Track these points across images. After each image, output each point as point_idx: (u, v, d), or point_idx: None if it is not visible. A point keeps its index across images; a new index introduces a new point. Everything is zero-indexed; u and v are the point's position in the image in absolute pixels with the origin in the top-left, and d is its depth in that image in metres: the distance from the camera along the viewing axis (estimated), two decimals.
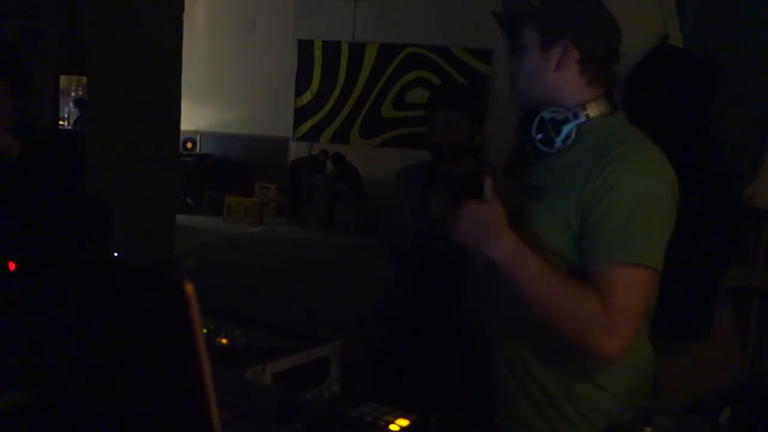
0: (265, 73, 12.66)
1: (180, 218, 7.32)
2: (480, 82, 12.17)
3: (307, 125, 12.99)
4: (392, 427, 1.19)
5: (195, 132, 12.79)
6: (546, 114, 1.45)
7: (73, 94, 10.63)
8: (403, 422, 1.21)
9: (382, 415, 1.22)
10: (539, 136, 1.47)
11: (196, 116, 12.09)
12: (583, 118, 1.44)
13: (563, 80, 1.45)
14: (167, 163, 6.51)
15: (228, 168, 12.88)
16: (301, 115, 12.99)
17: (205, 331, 1.45)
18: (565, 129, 1.43)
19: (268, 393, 1.07)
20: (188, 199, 11.83)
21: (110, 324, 0.67)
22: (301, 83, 12.94)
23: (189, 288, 0.56)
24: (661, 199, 1.39)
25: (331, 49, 12.72)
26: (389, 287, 2.73)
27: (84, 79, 6.08)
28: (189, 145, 12.75)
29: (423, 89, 12.01)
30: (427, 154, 2.63)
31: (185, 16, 6.87)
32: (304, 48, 12.83)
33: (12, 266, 0.70)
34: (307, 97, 12.94)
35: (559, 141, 1.44)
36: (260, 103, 12.68)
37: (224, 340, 1.45)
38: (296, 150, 12.91)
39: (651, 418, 1.13)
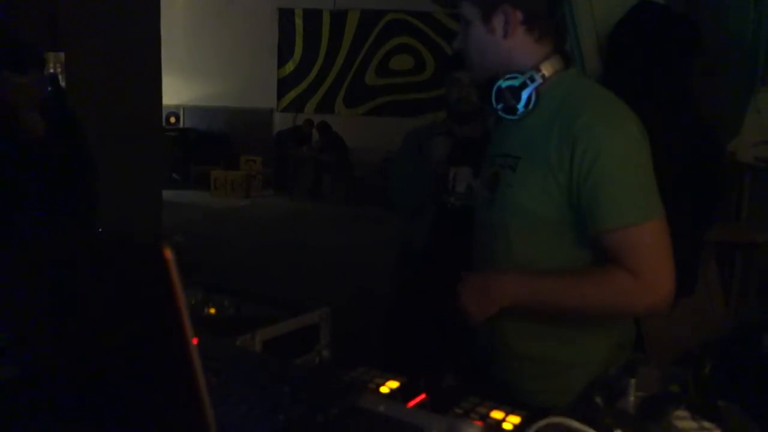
0: (246, 43, 12.53)
1: (166, 193, 7.28)
2: None
3: (290, 96, 12.90)
4: (382, 389, 1.20)
5: (178, 106, 12.67)
6: (502, 83, 1.46)
7: (51, 70, 10.48)
8: (394, 384, 1.22)
9: (372, 378, 1.23)
10: (500, 105, 1.48)
11: (178, 90, 11.97)
12: (539, 80, 1.45)
13: (514, 45, 1.46)
14: (151, 138, 6.44)
15: (213, 141, 12.80)
16: (284, 85, 12.89)
17: (193, 302, 1.46)
18: (524, 94, 1.45)
19: (257, 358, 1.08)
20: (174, 174, 11.78)
21: (94, 295, 0.67)
22: (284, 53, 12.81)
23: (168, 253, 0.56)
24: (639, 150, 1.41)
25: (313, 17, 12.58)
26: (405, 246, 2.82)
27: (62, 56, 5.97)
28: (172, 119, 12.64)
29: (407, 55, 11.95)
30: (407, 121, 2.71)
31: None
32: (285, 17, 12.68)
33: None
34: (289, 67, 12.83)
35: (521, 107, 1.46)
36: (242, 75, 12.56)
37: (212, 311, 1.46)
38: (281, 121, 12.84)
39: (635, 370, 1.15)
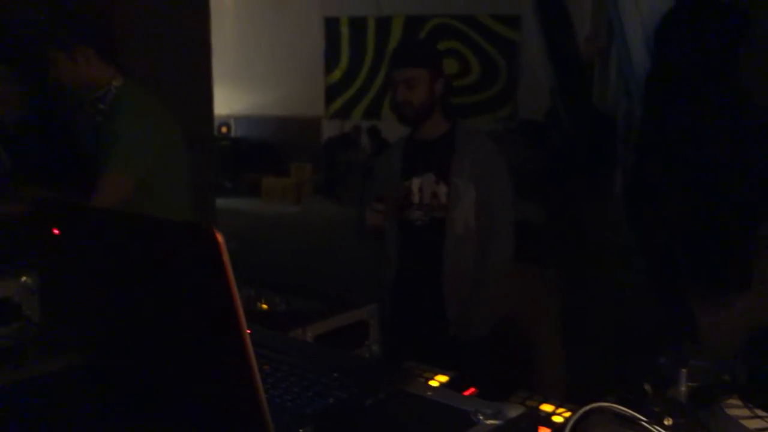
0: (294, 53, 12.69)
1: (218, 202, 7.43)
2: (509, 48, 12.01)
3: (338, 103, 13.01)
4: (431, 382, 1.22)
5: (228, 116, 12.92)
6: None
7: None
8: (443, 378, 1.24)
9: (421, 372, 1.25)
10: None
11: (228, 101, 12.20)
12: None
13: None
14: (203, 147, 6.59)
15: (263, 150, 12.99)
16: (332, 93, 13.01)
17: (245, 298, 1.50)
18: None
19: (307, 348, 1.11)
20: (226, 183, 12.00)
21: (150, 280, 0.70)
22: (330, 61, 12.94)
23: (220, 237, 0.59)
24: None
25: (358, 24, 12.67)
26: (382, 264, 2.62)
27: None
28: (224, 129, 12.89)
29: (452, 60, 11.92)
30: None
31: (212, 2, 6.90)
32: (331, 25, 12.81)
33: (56, 232, 0.74)
34: (336, 74, 12.95)
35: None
36: (291, 84, 12.73)
37: (264, 306, 1.49)
38: (328, 128, 12.96)
39: (687, 362, 1.14)
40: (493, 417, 0.75)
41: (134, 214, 0.66)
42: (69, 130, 3.46)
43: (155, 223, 0.64)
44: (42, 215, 0.76)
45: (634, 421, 0.87)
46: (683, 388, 1.08)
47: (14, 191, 2.42)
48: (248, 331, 1.13)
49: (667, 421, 0.90)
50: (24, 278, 1.21)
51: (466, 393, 1.16)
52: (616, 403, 0.92)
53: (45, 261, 0.84)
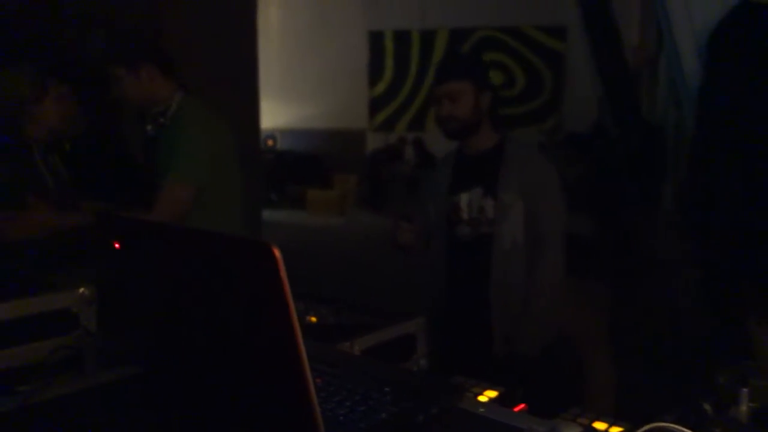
0: (339, 66, 12.82)
1: (264, 214, 7.52)
2: (555, 60, 11.92)
3: (382, 115, 13.08)
4: (480, 398, 1.20)
5: (274, 129, 13.10)
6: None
7: None
8: (492, 393, 1.22)
9: (470, 387, 1.23)
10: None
11: (274, 114, 12.38)
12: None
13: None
14: (249, 160, 6.69)
15: (308, 162, 13.13)
16: (376, 105, 13.09)
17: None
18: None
19: (358, 361, 1.11)
20: (272, 195, 12.14)
21: (208, 293, 0.71)
22: (374, 74, 13.02)
23: (277, 252, 0.60)
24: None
25: (402, 38, 12.74)
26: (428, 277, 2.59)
27: None
28: (270, 142, 13.06)
29: (497, 71, 11.89)
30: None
31: (259, 17, 7.03)
32: (375, 39, 12.90)
33: (117, 245, 0.76)
34: (381, 87, 13.02)
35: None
36: (335, 97, 12.86)
37: (313, 319, 1.50)
38: (373, 141, 13.03)
39: (747, 381, 1.11)
40: None
41: (193, 228, 0.68)
42: (121, 145, 3.55)
43: (213, 237, 0.65)
44: (103, 229, 0.78)
45: None
46: (744, 408, 1.04)
47: (72, 205, 2.48)
48: None
49: None
50: (82, 289, 1.24)
51: (516, 409, 1.15)
52: (674, 423, 0.89)
53: (105, 273, 0.87)
